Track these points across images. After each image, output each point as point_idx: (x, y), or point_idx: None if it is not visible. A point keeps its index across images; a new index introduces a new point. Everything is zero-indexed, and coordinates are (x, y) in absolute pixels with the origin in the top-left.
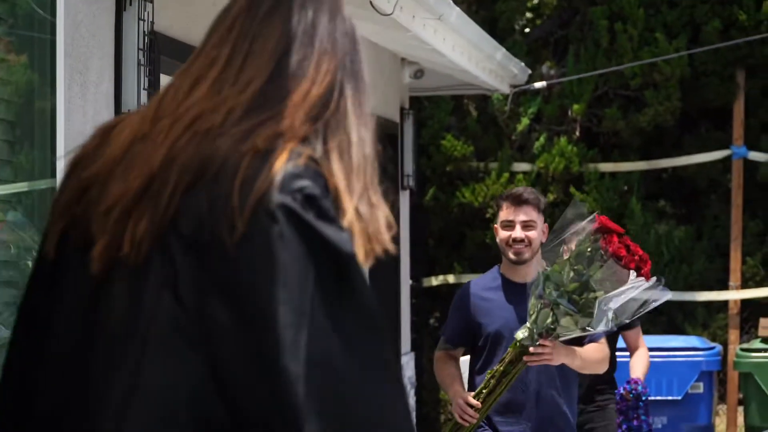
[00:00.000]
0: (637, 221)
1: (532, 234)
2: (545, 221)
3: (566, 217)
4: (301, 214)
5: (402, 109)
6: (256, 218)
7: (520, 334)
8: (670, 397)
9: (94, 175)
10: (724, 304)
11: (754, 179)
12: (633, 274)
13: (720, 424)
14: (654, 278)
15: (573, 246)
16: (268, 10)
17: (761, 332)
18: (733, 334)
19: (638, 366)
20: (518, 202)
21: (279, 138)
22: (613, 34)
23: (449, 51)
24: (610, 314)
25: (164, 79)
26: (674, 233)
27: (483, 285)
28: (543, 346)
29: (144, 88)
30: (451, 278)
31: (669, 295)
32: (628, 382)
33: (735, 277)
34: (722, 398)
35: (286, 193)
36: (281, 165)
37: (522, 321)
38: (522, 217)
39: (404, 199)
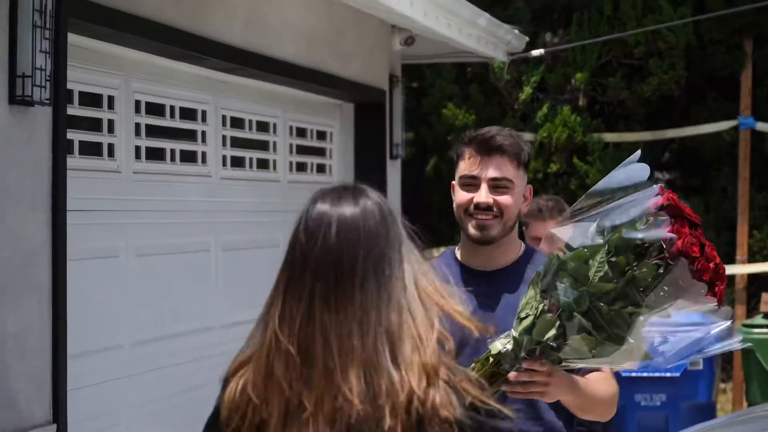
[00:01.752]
0: None
1: (504, 199)
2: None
3: (615, 179)
4: None
5: (392, 76)
6: None
7: (498, 344)
8: (668, 374)
9: None
10: (731, 278)
11: (762, 151)
12: (703, 289)
13: (726, 401)
14: (725, 308)
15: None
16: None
17: (763, 308)
18: (740, 309)
19: None
20: (487, 149)
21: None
22: (617, 1)
23: (420, 17)
24: (647, 346)
25: (72, 39)
26: None
27: None
28: (532, 371)
29: (41, 51)
30: None
31: (739, 338)
32: None
33: (742, 250)
34: (730, 376)
35: None
36: None
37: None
38: (491, 173)
39: (394, 169)
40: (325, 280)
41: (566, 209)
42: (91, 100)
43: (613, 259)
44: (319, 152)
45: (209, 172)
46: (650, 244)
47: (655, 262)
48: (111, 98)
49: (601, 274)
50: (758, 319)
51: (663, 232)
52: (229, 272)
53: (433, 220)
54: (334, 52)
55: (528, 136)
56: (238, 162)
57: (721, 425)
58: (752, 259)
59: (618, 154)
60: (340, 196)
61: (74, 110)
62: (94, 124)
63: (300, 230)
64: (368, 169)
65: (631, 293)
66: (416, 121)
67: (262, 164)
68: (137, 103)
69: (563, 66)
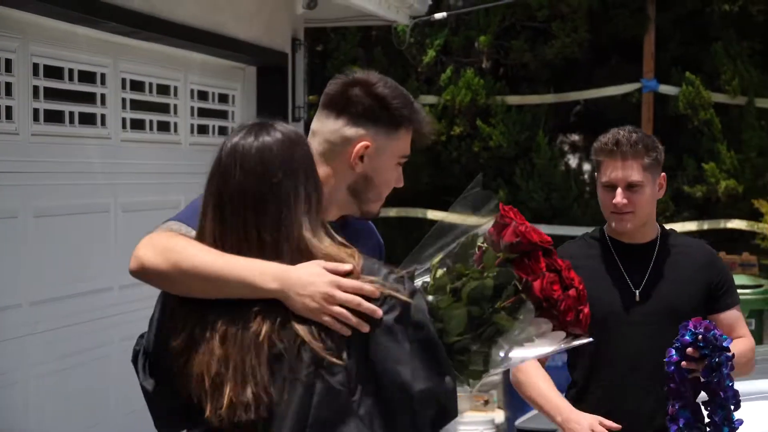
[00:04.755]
0: (543, 155)
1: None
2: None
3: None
4: None
5: (294, 39)
6: None
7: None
8: None
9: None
10: None
11: (665, 112)
12: (564, 332)
13: None
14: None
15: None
16: None
17: None
18: None
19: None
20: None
21: None
22: None
23: None
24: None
25: None
26: (584, 167)
27: None
28: None
29: None
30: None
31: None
32: (687, 327)
33: None
34: None
35: None
36: None
37: None
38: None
39: None
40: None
41: (655, 147)
42: None
43: (471, 309)
44: (221, 115)
45: (109, 134)
46: (503, 288)
47: (509, 306)
48: (9, 61)
49: (461, 325)
50: None
51: (512, 273)
52: (128, 233)
53: None
54: (236, 15)
55: (431, 99)
56: (138, 124)
57: None
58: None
59: (521, 116)
60: (249, 131)
61: None
62: None
63: (216, 163)
64: None
65: (485, 344)
66: (321, 84)
67: (163, 127)
68: (35, 66)
69: (466, 29)
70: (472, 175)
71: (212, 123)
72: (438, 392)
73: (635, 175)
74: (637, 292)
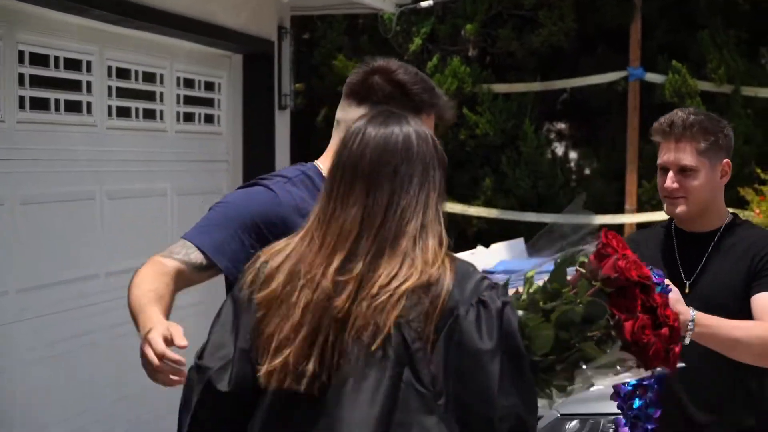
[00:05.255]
0: (530, 143)
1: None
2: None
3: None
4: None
5: (280, 27)
6: None
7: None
8: None
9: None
10: (620, 227)
11: (651, 101)
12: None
13: None
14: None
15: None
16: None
17: None
18: None
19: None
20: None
21: None
22: None
23: None
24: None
25: None
26: (570, 155)
27: None
28: None
29: None
30: None
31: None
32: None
33: (631, 200)
34: None
35: None
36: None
37: None
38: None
39: (282, 119)
40: (343, 181)
41: (716, 130)
42: None
43: (560, 334)
44: (208, 103)
45: (94, 122)
46: (593, 319)
47: (598, 337)
48: None
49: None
50: None
51: (606, 314)
52: (114, 221)
53: None
54: (223, 3)
55: None
56: (124, 112)
57: None
58: (641, 208)
59: (507, 104)
60: (376, 117)
61: None
62: None
63: (341, 144)
64: (257, 119)
65: (568, 366)
66: (307, 72)
67: (149, 114)
68: (21, 53)
69: (453, 17)
70: (459, 163)
71: (198, 111)
72: (520, 407)
73: (688, 158)
74: (688, 283)
